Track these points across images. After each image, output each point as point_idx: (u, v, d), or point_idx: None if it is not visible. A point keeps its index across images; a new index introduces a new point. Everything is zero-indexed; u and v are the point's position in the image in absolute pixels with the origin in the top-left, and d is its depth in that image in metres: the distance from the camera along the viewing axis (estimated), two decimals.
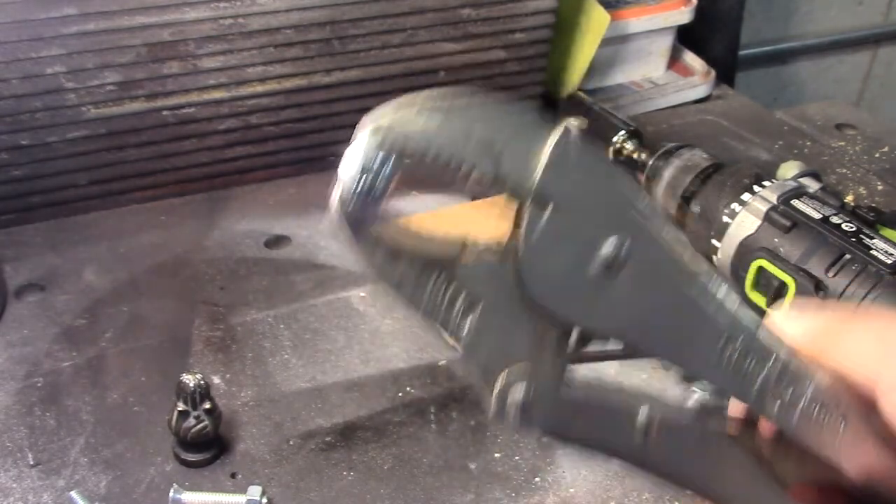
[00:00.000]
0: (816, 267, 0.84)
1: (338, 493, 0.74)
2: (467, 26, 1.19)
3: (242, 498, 0.71)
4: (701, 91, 1.41)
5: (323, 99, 1.16)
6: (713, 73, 1.42)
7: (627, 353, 0.41)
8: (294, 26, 1.10)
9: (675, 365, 0.40)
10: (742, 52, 1.65)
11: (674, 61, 1.46)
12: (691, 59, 1.45)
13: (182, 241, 1.02)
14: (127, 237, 1.02)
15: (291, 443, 0.78)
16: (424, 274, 0.38)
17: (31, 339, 0.87)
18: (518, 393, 0.38)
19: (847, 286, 0.82)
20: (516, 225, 0.38)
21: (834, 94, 2.02)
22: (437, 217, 1.04)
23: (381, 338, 0.89)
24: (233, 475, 0.75)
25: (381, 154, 0.36)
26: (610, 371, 0.78)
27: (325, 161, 1.20)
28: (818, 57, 2.00)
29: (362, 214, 0.37)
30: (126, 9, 1.01)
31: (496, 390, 0.38)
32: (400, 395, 0.83)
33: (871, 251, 0.83)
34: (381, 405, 0.82)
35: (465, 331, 0.38)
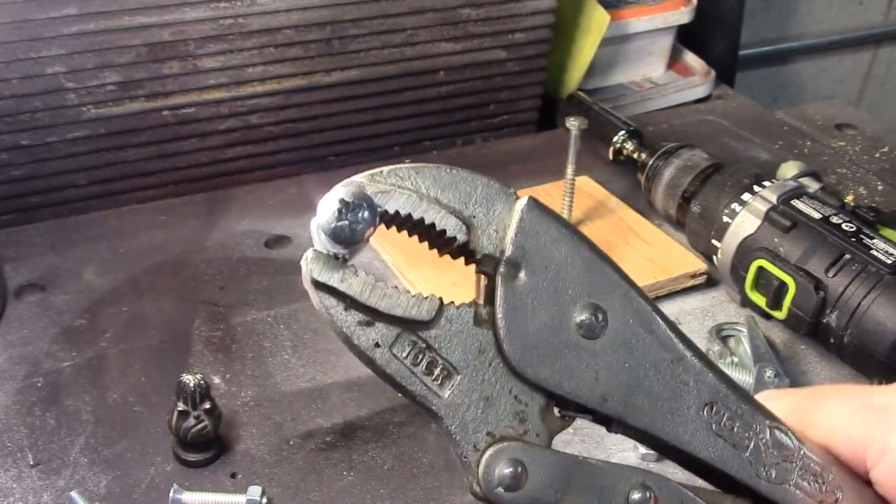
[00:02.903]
0: (816, 267, 0.84)
1: (338, 493, 0.74)
2: (467, 26, 1.19)
3: (242, 498, 0.71)
4: (701, 91, 1.41)
5: (323, 99, 1.16)
6: (713, 73, 1.42)
7: (610, 423, 0.39)
8: (294, 26, 1.10)
9: (660, 435, 0.39)
10: (742, 52, 1.65)
11: (674, 61, 1.46)
12: (691, 59, 1.45)
13: (182, 241, 1.02)
14: (127, 237, 1.02)
15: (291, 443, 0.78)
16: (400, 338, 0.37)
17: (31, 339, 0.87)
18: (505, 470, 0.36)
19: (847, 286, 0.82)
20: (491, 290, 0.38)
21: (834, 94, 2.02)
22: None
23: None
24: (233, 475, 0.75)
25: (353, 206, 0.36)
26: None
27: (325, 161, 1.20)
28: (818, 57, 2.00)
29: (333, 273, 0.36)
30: (126, 9, 1.01)
31: (481, 468, 0.37)
32: (400, 395, 0.83)
33: (871, 251, 0.83)
34: (381, 405, 0.82)
35: (444, 400, 0.37)
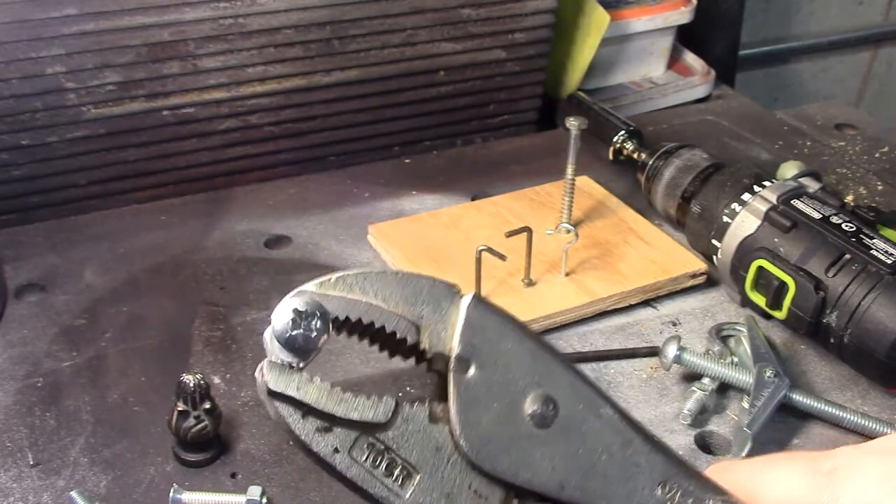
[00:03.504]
0: (816, 267, 0.84)
1: (338, 493, 0.73)
2: (467, 26, 1.19)
3: (242, 498, 0.71)
4: (701, 91, 1.41)
5: (323, 99, 1.16)
6: (713, 73, 1.42)
7: None
8: (294, 26, 1.10)
9: None
10: (742, 52, 1.65)
11: (674, 61, 1.46)
12: (691, 59, 1.45)
13: (182, 241, 1.02)
14: (127, 237, 1.02)
15: (291, 443, 0.78)
16: (359, 441, 0.38)
17: (31, 339, 0.87)
18: None
19: (847, 286, 0.82)
20: (443, 387, 0.38)
21: (834, 94, 2.02)
22: (435, 217, 1.04)
23: None
24: (233, 475, 0.75)
25: (306, 315, 0.37)
26: None
27: (325, 161, 1.20)
28: (818, 57, 2.00)
29: (289, 382, 0.37)
30: (126, 9, 1.01)
31: None
32: (400, 395, 0.83)
33: (871, 251, 0.83)
34: None
35: (406, 500, 0.38)
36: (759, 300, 0.88)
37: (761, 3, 1.83)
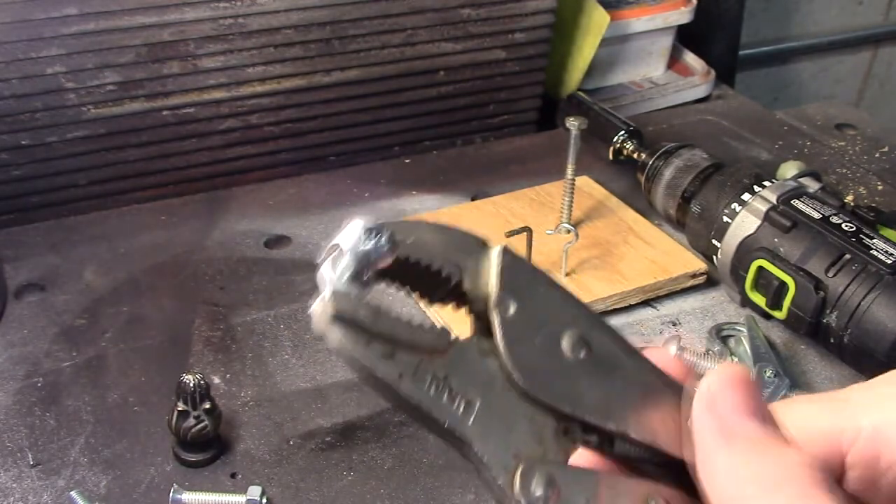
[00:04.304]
0: (816, 267, 0.84)
1: (338, 493, 0.74)
2: (467, 26, 1.19)
3: (242, 498, 0.71)
4: (701, 91, 1.41)
5: (323, 99, 1.16)
6: (713, 73, 1.42)
7: (612, 443, 0.40)
8: (294, 26, 1.10)
9: (662, 447, 0.40)
10: (742, 52, 1.65)
11: (674, 61, 1.46)
12: (691, 59, 1.45)
13: (182, 241, 1.02)
14: (127, 237, 1.02)
15: (291, 443, 0.78)
16: (421, 368, 0.38)
17: (31, 339, 0.87)
18: (538, 491, 0.38)
19: (847, 286, 0.82)
20: (486, 326, 0.40)
21: (834, 94, 2.02)
22: (435, 217, 1.04)
23: None
24: (233, 475, 0.75)
25: (375, 232, 0.38)
26: None
27: (325, 161, 1.20)
28: (818, 57, 2.00)
29: (353, 308, 0.38)
30: (126, 9, 1.01)
31: (516, 489, 0.38)
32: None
33: (871, 251, 0.83)
34: (381, 405, 0.82)
35: (470, 427, 0.39)
36: (759, 300, 0.88)
37: (761, 3, 1.83)
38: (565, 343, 0.40)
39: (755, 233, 0.90)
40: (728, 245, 0.92)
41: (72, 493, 0.71)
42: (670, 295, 0.96)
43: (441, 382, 0.39)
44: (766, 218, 0.89)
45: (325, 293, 0.38)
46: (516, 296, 0.40)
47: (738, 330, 0.89)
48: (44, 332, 0.88)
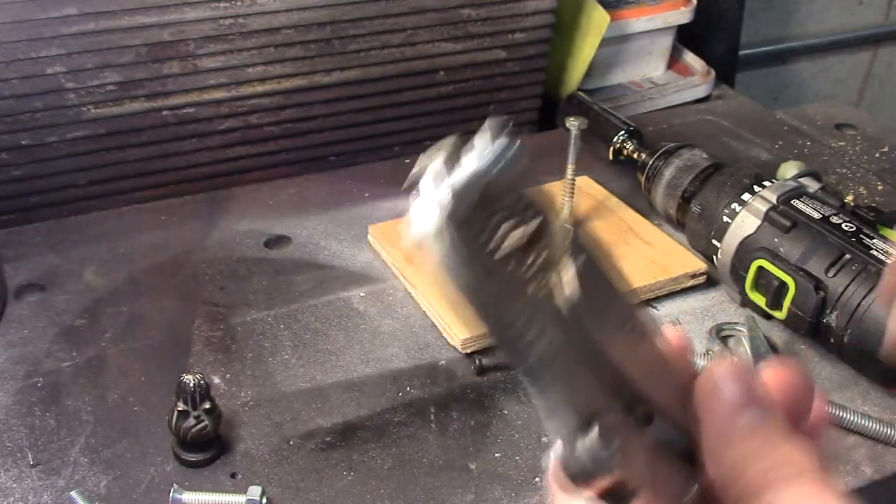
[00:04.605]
0: (816, 267, 0.84)
1: (338, 493, 0.74)
2: (467, 26, 1.19)
3: (242, 498, 0.71)
4: (701, 91, 1.41)
5: (323, 99, 1.16)
6: (713, 73, 1.42)
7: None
8: (294, 26, 1.10)
9: None
10: (742, 52, 1.65)
11: (674, 61, 1.46)
12: (691, 59, 1.45)
13: (182, 241, 1.02)
14: (127, 237, 1.02)
15: (291, 443, 0.78)
16: (525, 255, 0.38)
17: (31, 339, 0.87)
18: (601, 443, 0.38)
19: (847, 286, 0.82)
20: (558, 273, 0.39)
21: (834, 94, 2.02)
22: None
23: (381, 338, 0.89)
24: (233, 475, 0.75)
25: (501, 135, 0.38)
26: None
27: (325, 161, 1.20)
28: (818, 57, 2.00)
29: (470, 212, 0.37)
30: (126, 9, 1.01)
31: (586, 444, 0.38)
32: (400, 395, 0.83)
33: (871, 251, 0.83)
34: (381, 405, 0.82)
35: (536, 363, 0.38)
36: (759, 300, 0.88)
37: (761, 3, 1.83)
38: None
39: (755, 233, 0.90)
40: (728, 245, 0.92)
41: (72, 493, 0.71)
42: (670, 295, 0.96)
43: (523, 314, 0.38)
44: (766, 218, 0.89)
45: (446, 192, 0.37)
46: (583, 245, 0.39)
47: (738, 330, 0.89)
48: (44, 332, 0.88)
